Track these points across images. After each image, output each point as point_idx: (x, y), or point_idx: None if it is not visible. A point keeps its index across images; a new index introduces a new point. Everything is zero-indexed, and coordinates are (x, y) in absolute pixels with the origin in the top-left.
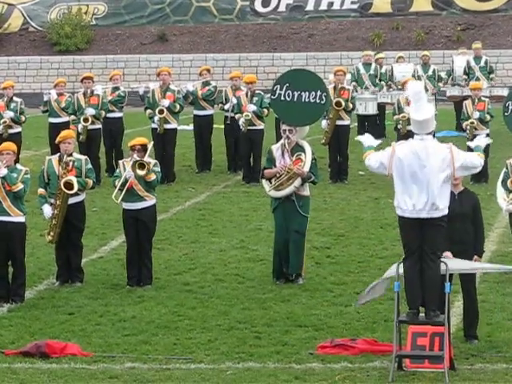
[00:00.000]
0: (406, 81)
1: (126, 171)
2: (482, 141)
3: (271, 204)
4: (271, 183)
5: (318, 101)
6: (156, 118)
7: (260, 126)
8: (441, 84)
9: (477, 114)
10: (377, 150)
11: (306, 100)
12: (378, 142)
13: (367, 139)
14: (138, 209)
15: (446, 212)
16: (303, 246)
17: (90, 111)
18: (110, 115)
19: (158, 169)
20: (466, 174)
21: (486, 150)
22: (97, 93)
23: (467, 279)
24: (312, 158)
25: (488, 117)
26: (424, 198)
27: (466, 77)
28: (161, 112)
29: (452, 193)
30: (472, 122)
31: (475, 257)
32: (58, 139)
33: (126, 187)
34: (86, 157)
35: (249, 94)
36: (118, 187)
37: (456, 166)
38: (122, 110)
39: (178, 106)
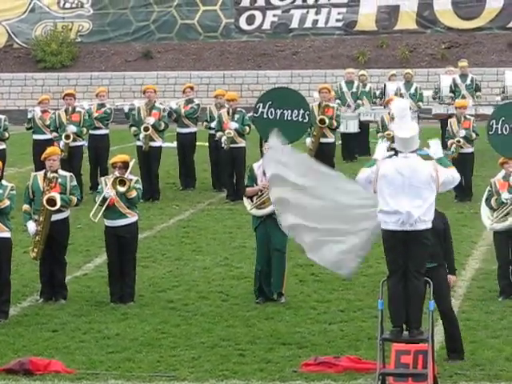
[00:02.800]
0: (390, 99)
1: (105, 190)
2: (437, 149)
3: (252, 222)
4: (253, 201)
5: (300, 119)
6: (141, 136)
7: (241, 143)
8: (421, 103)
9: (462, 132)
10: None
11: (289, 118)
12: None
13: (379, 148)
14: (120, 226)
15: (429, 226)
16: (285, 265)
17: (72, 128)
18: (96, 132)
19: (139, 186)
20: (446, 189)
21: (470, 169)
22: (78, 110)
23: (441, 299)
24: None
25: (473, 135)
26: (408, 212)
27: (452, 95)
28: (146, 129)
29: None
30: (458, 141)
31: (449, 276)
32: (43, 156)
33: (105, 206)
34: (71, 174)
35: (230, 111)
36: (97, 203)
37: (440, 181)
38: (107, 126)
39: (163, 124)
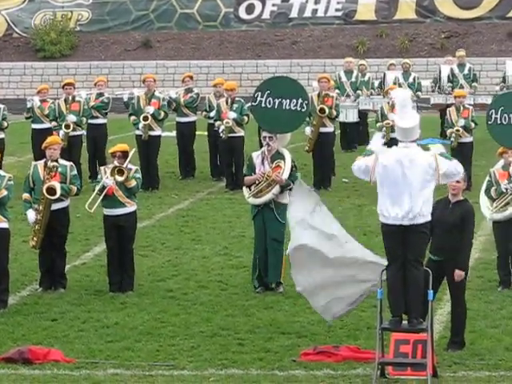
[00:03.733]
0: (389, 88)
1: (104, 178)
2: (438, 148)
3: (251, 211)
4: (251, 190)
5: (298, 108)
6: (140, 125)
7: (240, 133)
8: (420, 93)
9: (462, 122)
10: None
11: (287, 107)
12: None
13: (375, 139)
14: (119, 215)
15: (428, 219)
16: (282, 254)
17: (71, 118)
18: (94, 121)
19: (138, 175)
20: (448, 181)
21: (469, 158)
22: (78, 99)
23: (457, 286)
24: (292, 166)
25: (472, 124)
26: (407, 205)
27: (450, 84)
28: (145, 119)
29: (447, 201)
30: (457, 130)
31: (456, 271)
32: (44, 145)
33: (103, 193)
34: (71, 163)
35: (229, 101)
36: (95, 192)
37: (440, 173)
38: (106, 116)
39: (162, 113)
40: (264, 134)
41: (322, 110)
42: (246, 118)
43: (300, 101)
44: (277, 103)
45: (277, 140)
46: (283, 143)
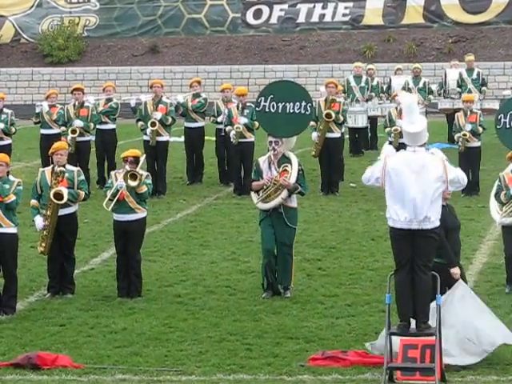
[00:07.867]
0: (395, 94)
1: (118, 181)
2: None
3: (259, 216)
4: (259, 195)
5: (302, 111)
6: (148, 131)
7: (251, 138)
8: (431, 96)
9: (469, 126)
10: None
11: (291, 111)
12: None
13: (385, 151)
14: (128, 221)
15: (437, 224)
16: (292, 258)
17: (78, 123)
18: (102, 127)
19: (149, 181)
20: (453, 189)
21: (478, 163)
22: (87, 104)
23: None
24: (299, 169)
25: (480, 129)
26: (416, 210)
27: (459, 89)
28: (153, 125)
29: (446, 205)
30: (464, 134)
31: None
32: (50, 150)
33: (116, 198)
34: (78, 168)
35: (240, 106)
36: (108, 197)
37: (449, 178)
38: (114, 121)
39: (170, 119)
40: (270, 138)
41: (328, 115)
42: (256, 123)
43: (304, 104)
44: (280, 107)
45: (283, 144)
46: (289, 147)
